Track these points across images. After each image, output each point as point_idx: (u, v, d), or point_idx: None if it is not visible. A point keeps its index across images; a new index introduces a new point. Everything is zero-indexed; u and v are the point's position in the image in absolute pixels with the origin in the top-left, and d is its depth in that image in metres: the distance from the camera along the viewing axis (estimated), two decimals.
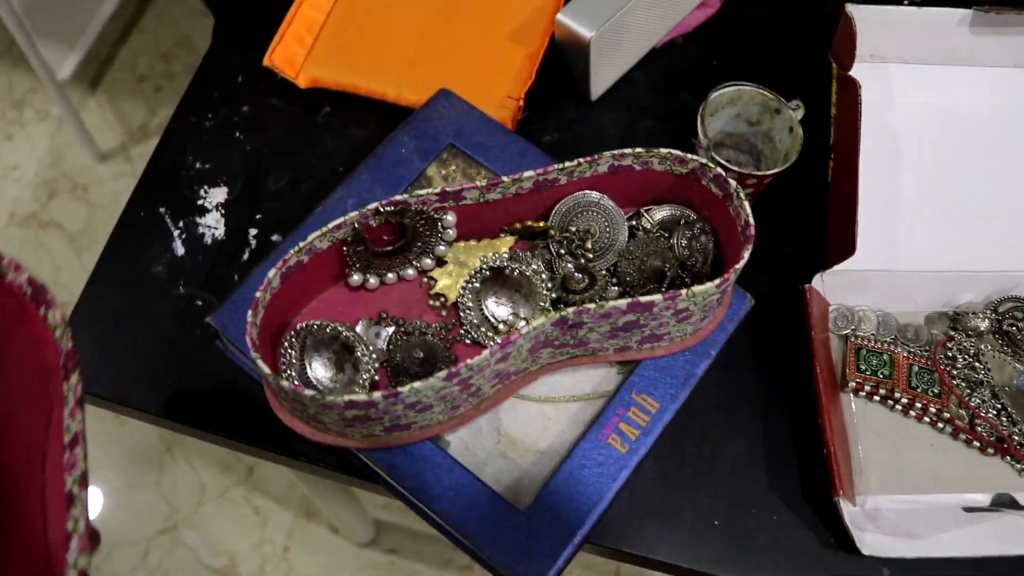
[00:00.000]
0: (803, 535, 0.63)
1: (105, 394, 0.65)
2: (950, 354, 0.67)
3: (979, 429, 0.65)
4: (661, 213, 0.64)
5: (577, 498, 0.56)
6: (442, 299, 0.62)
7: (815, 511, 0.63)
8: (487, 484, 0.57)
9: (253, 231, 0.71)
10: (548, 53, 0.79)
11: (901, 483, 0.64)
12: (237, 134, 0.76)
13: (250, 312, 0.52)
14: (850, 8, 0.70)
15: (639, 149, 0.60)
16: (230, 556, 1.45)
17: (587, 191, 0.62)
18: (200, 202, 0.72)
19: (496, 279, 0.61)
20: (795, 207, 0.75)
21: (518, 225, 0.63)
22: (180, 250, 0.70)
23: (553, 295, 0.60)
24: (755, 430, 0.66)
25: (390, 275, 0.62)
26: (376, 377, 0.56)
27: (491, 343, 0.60)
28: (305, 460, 0.63)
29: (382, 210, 0.57)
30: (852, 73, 0.69)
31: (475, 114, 0.70)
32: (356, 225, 0.57)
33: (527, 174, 0.59)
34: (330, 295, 0.62)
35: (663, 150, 0.60)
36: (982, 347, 0.68)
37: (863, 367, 0.66)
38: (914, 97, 0.73)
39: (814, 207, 0.74)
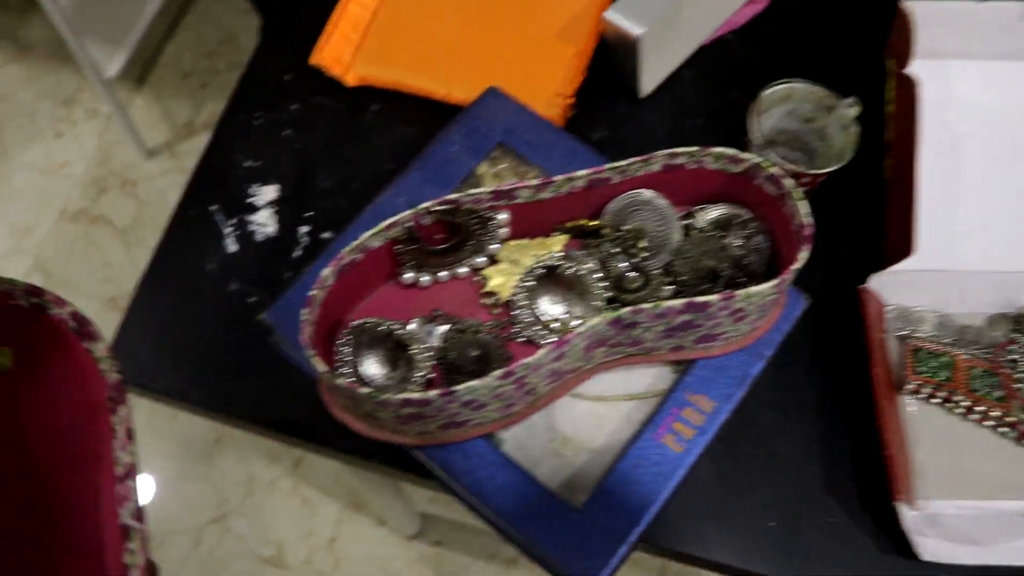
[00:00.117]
0: (860, 539, 0.62)
1: (160, 390, 0.66)
2: (1013, 356, 0.66)
3: None
4: (715, 212, 0.63)
5: (632, 497, 0.56)
6: (495, 297, 0.62)
7: (872, 515, 0.62)
8: (541, 482, 0.57)
9: (303, 229, 0.72)
10: (597, 50, 0.78)
11: (962, 488, 0.63)
12: (286, 133, 0.77)
13: (305, 310, 0.52)
14: (906, 3, 0.68)
15: (693, 148, 0.59)
16: (278, 546, 1.47)
17: (639, 189, 0.62)
18: (250, 200, 0.73)
19: (549, 278, 0.60)
20: (850, 206, 0.73)
21: (571, 224, 0.62)
22: (232, 248, 0.71)
23: (607, 294, 0.60)
24: (810, 431, 0.66)
25: (443, 273, 0.62)
26: (431, 375, 0.56)
27: (545, 342, 0.60)
28: (359, 456, 0.63)
29: (435, 209, 0.57)
30: (909, 70, 0.67)
31: (525, 112, 0.70)
32: (409, 224, 0.57)
33: (580, 173, 0.59)
34: (383, 293, 0.62)
35: (717, 149, 0.59)
36: None
37: (921, 369, 0.65)
38: (973, 94, 0.72)
39: (869, 206, 0.73)
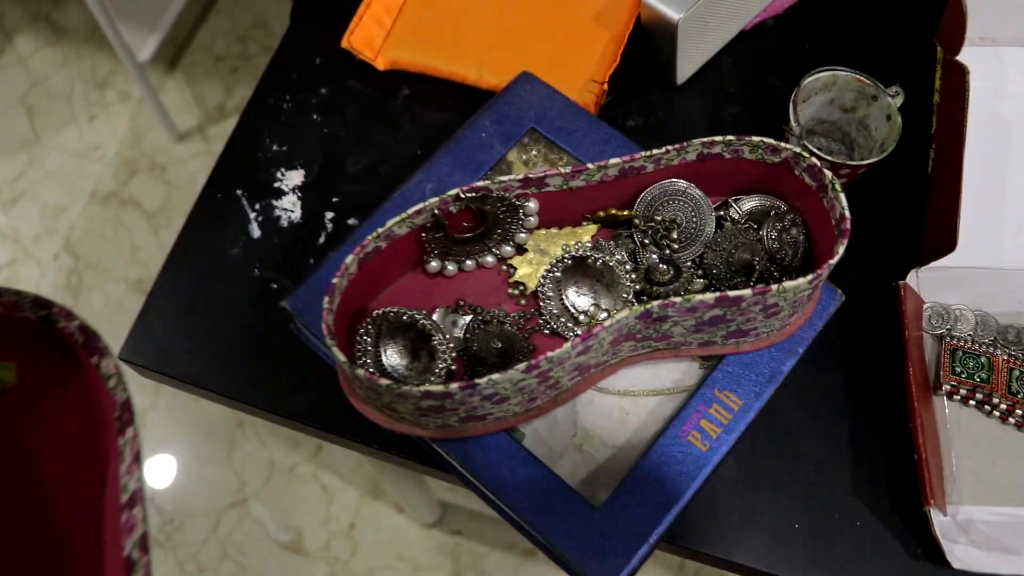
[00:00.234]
0: (889, 544, 0.60)
1: (180, 376, 0.65)
2: None
3: None
4: (750, 203, 0.61)
5: (654, 496, 0.55)
6: (521, 288, 0.60)
7: (902, 520, 0.60)
8: (562, 478, 0.55)
9: (329, 215, 0.71)
10: (633, 36, 0.76)
11: (997, 494, 0.61)
12: (315, 117, 0.76)
13: (326, 299, 0.51)
14: None
15: (730, 137, 0.57)
16: (297, 531, 1.47)
17: (673, 179, 0.60)
18: (277, 185, 0.72)
19: (578, 268, 0.59)
20: (890, 199, 0.71)
21: (601, 213, 0.61)
22: (256, 233, 0.70)
23: (636, 287, 0.58)
24: (841, 431, 0.64)
25: (469, 262, 0.61)
26: (453, 367, 0.55)
27: (571, 334, 0.58)
28: (377, 447, 0.62)
29: (463, 196, 0.56)
30: (960, 57, 0.65)
31: (558, 98, 0.68)
32: (436, 211, 0.56)
33: (613, 161, 0.57)
34: (407, 281, 0.61)
35: (755, 138, 0.57)
36: None
37: (959, 369, 0.63)
38: None
39: (910, 199, 0.71)
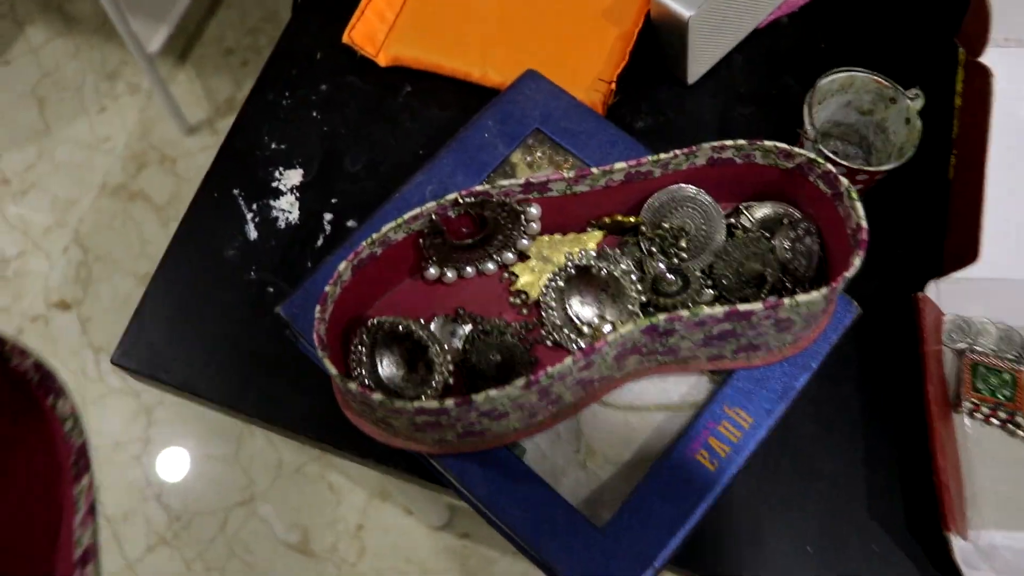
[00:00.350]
0: (906, 569, 0.57)
1: (174, 381, 0.63)
2: None
3: None
4: (762, 211, 0.59)
5: (660, 518, 0.52)
6: (523, 296, 0.58)
7: (920, 544, 0.58)
8: (563, 497, 0.53)
9: (328, 216, 0.69)
10: (642, 33, 0.74)
11: (1020, 519, 0.58)
12: (314, 114, 0.74)
13: (318, 308, 0.49)
14: None
15: (741, 141, 0.55)
16: (303, 532, 1.45)
17: (682, 184, 0.58)
18: (274, 184, 0.70)
19: (581, 277, 0.57)
20: (909, 206, 0.69)
21: (607, 219, 0.59)
22: (253, 234, 0.68)
23: (643, 298, 0.56)
24: (856, 450, 0.61)
25: (469, 269, 0.58)
26: (450, 380, 0.53)
27: (574, 346, 0.56)
28: (374, 460, 0.60)
29: (462, 201, 0.54)
30: (983, 59, 0.62)
31: (563, 97, 0.66)
32: (433, 217, 0.54)
33: (618, 166, 0.55)
34: (405, 288, 0.58)
35: (768, 143, 0.54)
36: None
37: (980, 386, 0.60)
38: None
39: (930, 207, 0.68)
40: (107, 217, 1.74)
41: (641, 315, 0.55)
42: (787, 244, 0.57)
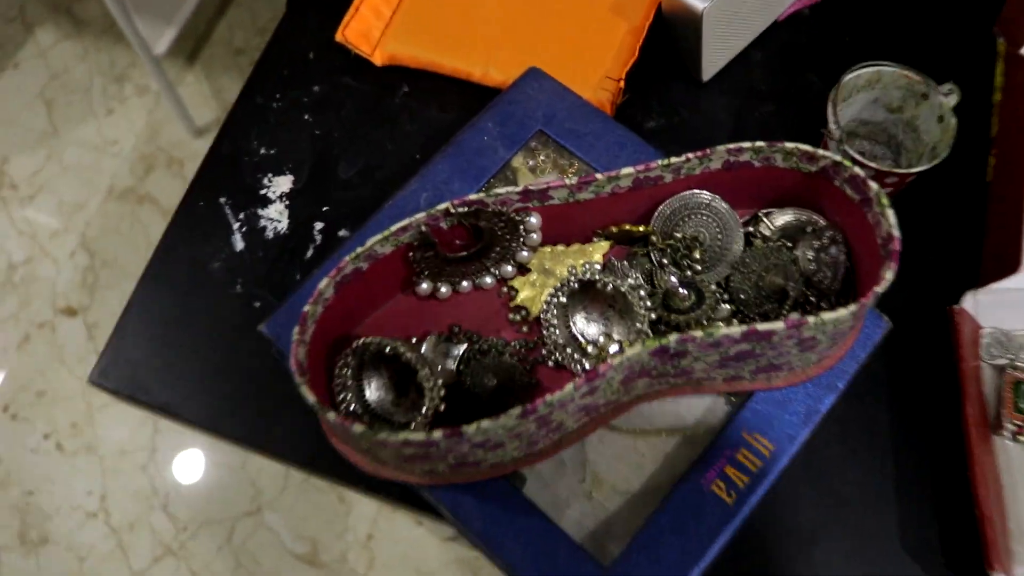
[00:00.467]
0: None
1: (153, 403, 0.60)
2: None
3: None
4: (783, 218, 0.54)
5: (672, 555, 0.48)
6: (523, 313, 0.54)
7: None
8: (566, 531, 0.49)
9: (319, 225, 0.65)
10: (653, 27, 0.71)
11: None
12: (306, 116, 0.70)
13: (296, 329, 0.45)
14: None
15: (760, 143, 0.50)
16: (312, 542, 1.43)
17: (696, 190, 0.53)
18: (263, 192, 0.67)
19: (586, 292, 0.52)
20: (943, 211, 0.65)
21: (614, 228, 0.54)
22: (239, 245, 0.65)
23: (652, 315, 0.51)
24: (886, 475, 0.57)
25: (464, 284, 0.54)
26: (441, 407, 0.48)
27: (578, 367, 0.52)
28: (365, 488, 0.56)
29: (453, 211, 0.50)
30: None
31: (569, 97, 0.62)
32: (423, 228, 0.50)
33: (625, 171, 0.51)
34: (396, 304, 0.54)
35: (789, 144, 0.50)
36: None
37: None
38: None
39: (966, 212, 0.64)
40: (114, 221, 1.72)
41: (650, 334, 0.51)
42: (810, 254, 0.53)
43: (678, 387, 0.51)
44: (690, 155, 0.51)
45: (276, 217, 0.66)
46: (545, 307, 0.52)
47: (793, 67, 0.72)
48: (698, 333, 0.45)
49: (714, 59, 0.70)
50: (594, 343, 0.52)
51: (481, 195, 0.50)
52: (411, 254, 0.51)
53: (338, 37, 0.71)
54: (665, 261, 0.53)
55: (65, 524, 1.46)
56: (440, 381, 0.48)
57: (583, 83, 0.67)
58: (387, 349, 0.48)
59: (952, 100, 0.60)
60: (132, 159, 1.79)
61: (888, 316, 0.54)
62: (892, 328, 0.54)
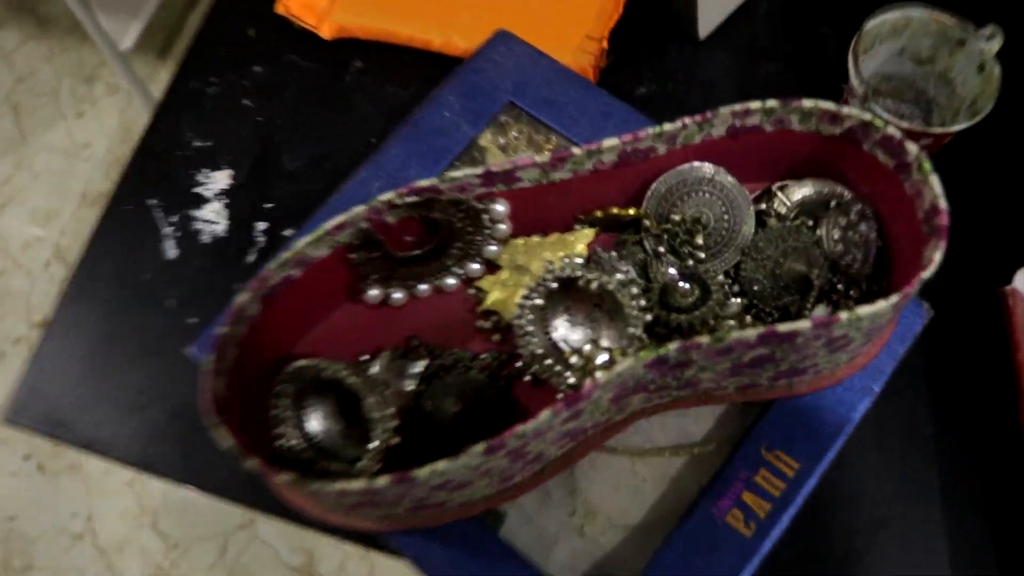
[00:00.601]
0: None
1: (76, 441, 0.53)
2: None
3: None
4: (801, 192, 0.47)
5: None
6: (495, 319, 0.46)
7: None
8: None
9: (262, 225, 0.59)
10: None
11: None
12: (245, 102, 0.64)
13: (211, 358, 0.37)
14: None
15: (771, 102, 0.43)
16: (308, 554, 1.39)
17: (696, 163, 0.46)
18: (197, 190, 0.60)
19: (567, 292, 0.44)
20: (986, 177, 0.59)
21: (599, 213, 0.47)
22: (172, 252, 0.58)
23: (648, 316, 0.43)
24: (931, 489, 0.51)
25: (422, 287, 0.46)
26: (392, 440, 0.40)
27: (560, 381, 0.44)
28: (319, 528, 0.49)
29: (400, 202, 0.41)
30: None
31: (543, 62, 0.56)
32: (364, 224, 0.41)
33: (608, 143, 0.43)
34: (343, 315, 0.47)
35: (807, 102, 0.43)
36: None
37: None
38: None
39: (1013, 177, 0.58)
40: (88, 228, 1.66)
41: (646, 339, 0.43)
42: (836, 234, 0.46)
43: (682, 399, 0.43)
44: (687, 120, 0.43)
45: (213, 218, 0.59)
46: (519, 311, 0.44)
47: (803, 18, 0.66)
48: (704, 339, 0.37)
49: (712, 13, 0.64)
50: (579, 352, 0.44)
51: (434, 181, 0.42)
52: (353, 255, 0.43)
53: (278, 9, 0.65)
54: (661, 249, 0.46)
55: (50, 549, 1.42)
56: (392, 410, 0.40)
57: (560, 46, 0.61)
58: (324, 373, 0.40)
59: (994, 45, 0.54)
60: (106, 162, 1.74)
61: (928, 302, 0.49)
62: (933, 316, 0.49)
